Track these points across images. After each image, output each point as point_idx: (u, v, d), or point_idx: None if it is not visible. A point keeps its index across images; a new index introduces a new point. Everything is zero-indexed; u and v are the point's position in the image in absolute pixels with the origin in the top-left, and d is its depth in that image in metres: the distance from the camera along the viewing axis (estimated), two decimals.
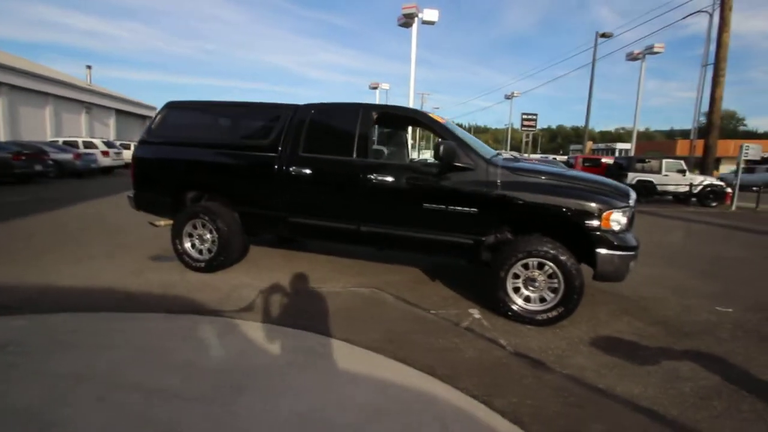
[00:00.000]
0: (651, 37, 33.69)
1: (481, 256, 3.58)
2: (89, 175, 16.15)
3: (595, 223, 3.22)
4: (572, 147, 77.13)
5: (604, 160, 20.43)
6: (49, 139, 19.56)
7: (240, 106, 4.58)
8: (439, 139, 3.58)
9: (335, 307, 3.55)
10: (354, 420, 1.98)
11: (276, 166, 4.05)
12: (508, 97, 40.87)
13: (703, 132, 17.94)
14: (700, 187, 14.00)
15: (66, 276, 4.03)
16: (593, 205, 3.24)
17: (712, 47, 16.96)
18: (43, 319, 2.96)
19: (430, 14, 17.65)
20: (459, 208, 3.50)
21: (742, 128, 74.14)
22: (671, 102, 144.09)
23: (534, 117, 37.11)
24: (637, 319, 3.57)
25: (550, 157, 35.98)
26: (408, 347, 2.86)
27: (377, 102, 24.23)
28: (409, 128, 10.33)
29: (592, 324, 3.43)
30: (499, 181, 3.43)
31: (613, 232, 3.22)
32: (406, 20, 17.85)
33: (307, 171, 3.95)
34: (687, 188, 14.06)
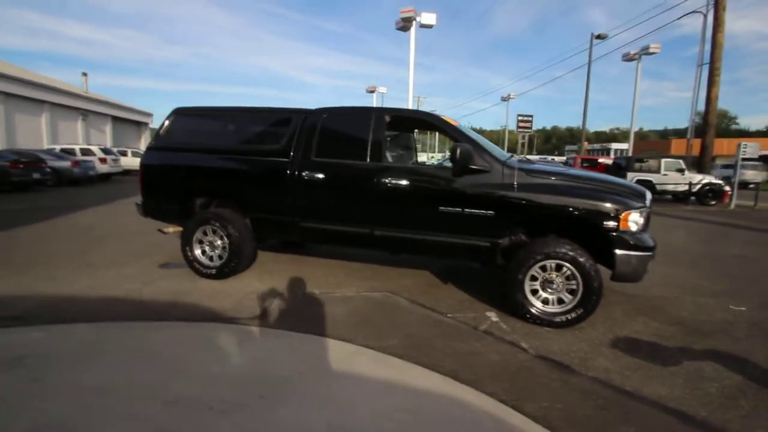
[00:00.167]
0: (645, 39, 33.98)
1: (497, 258, 3.57)
2: (87, 182, 16.03)
3: (613, 224, 3.22)
4: (567, 147, 77.65)
5: (601, 160, 20.59)
6: (46, 146, 19.43)
7: (249, 112, 4.55)
8: (454, 142, 3.57)
9: (351, 312, 3.53)
10: (391, 429, 1.95)
11: (288, 171, 4.03)
12: (504, 99, 41.06)
13: (699, 131, 18.09)
14: (698, 186, 14.10)
15: (78, 286, 3.97)
16: (611, 206, 3.25)
17: (706, 47, 17.18)
18: (61, 329, 2.92)
19: (428, 18, 17.75)
20: (476, 210, 3.50)
21: (734, 127, 75.06)
22: (664, 102, 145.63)
23: (530, 118, 37.31)
24: (653, 320, 3.58)
25: (549, 157, 36.17)
26: (430, 352, 2.84)
27: (374, 105, 24.26)
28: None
29: (609, 325, 3.43)
30: (515, 183, 3.43)
31: (630, 232, 3.23)
32: (404, 24, 17.94)
33: (321, 175, 3.94)
34: (686, 187, 14.16)
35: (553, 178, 3.50)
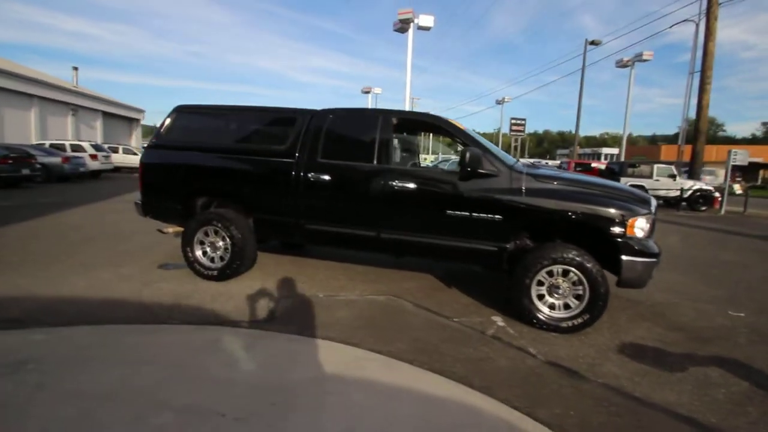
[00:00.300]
0: (637, 46, 34.50)
1: (503, 263, 3.57)
2: (77, 179, 15.74)
3: (619, 229, 3.24)
4: (559, 152, 78.52)
5: (594, 164, 20.84)
6: (35, 141, 19.02)
7: (254, 111, 4.49)
8: (463, 146, 3.57)
9: (356, 315, 3.50)
10: None
11: (293, 172, 3.99)
12: (499, 102, 41.36)
13: (690, 137, 18.40)
14: (690, 192, 14.35)
15: (77, 287, 3.87)
16: (618, 212, 3.27)
17: (698, 54, 17.47)
18: (62, 332, 2.84)
19: (426, 20, 17.80)
20: (483, 214, 3.50)
21: (721, 134, 76.47)
22: (653, 108, 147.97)
23: (523, 122, 37.70)
24: (656, 325, 3.61)
25: (542, 161, 36.51)
26: (439, 357, 2.82)
27: (369, 106, 24.20)
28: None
29: (614, 331, 3.45)
30: (523, 187, 3.44)
31: (637, 239, 3.26)
32: (402, 25, 17.96)
33: (327, 177, 3.90)
34: (677, 193, 14.39)
35: (560, 183, 3.52)
